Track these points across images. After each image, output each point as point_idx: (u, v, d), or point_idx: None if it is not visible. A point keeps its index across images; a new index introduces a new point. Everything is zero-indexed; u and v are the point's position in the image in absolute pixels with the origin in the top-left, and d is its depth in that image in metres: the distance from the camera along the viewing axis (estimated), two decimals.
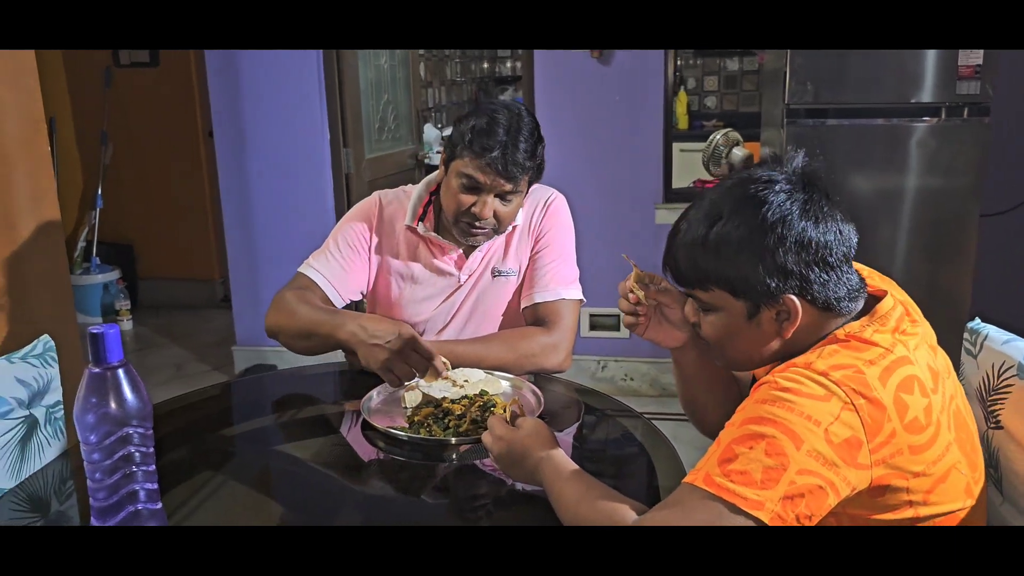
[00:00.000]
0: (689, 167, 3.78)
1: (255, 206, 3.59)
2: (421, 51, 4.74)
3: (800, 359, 1.01)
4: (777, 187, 1.02)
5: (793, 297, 1.02)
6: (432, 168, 4.40)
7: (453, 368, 1.56)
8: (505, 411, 1.33)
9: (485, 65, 6.30)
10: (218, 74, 3.46)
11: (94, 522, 1.02)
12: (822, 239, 1.01)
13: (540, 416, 1.43)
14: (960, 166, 2.53)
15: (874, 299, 1.08)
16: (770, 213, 1.00)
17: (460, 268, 1.73)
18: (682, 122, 5.93)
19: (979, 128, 2.48)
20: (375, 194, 1.78)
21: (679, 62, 6.11)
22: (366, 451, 1.40)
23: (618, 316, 3.39)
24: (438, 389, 1.48)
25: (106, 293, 4.63)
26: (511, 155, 1.55)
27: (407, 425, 1.40)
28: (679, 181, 3.63)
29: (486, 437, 1.23)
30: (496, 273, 1.74)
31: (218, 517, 1.19)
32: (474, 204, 1.60)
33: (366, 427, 1.41)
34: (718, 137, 3.51)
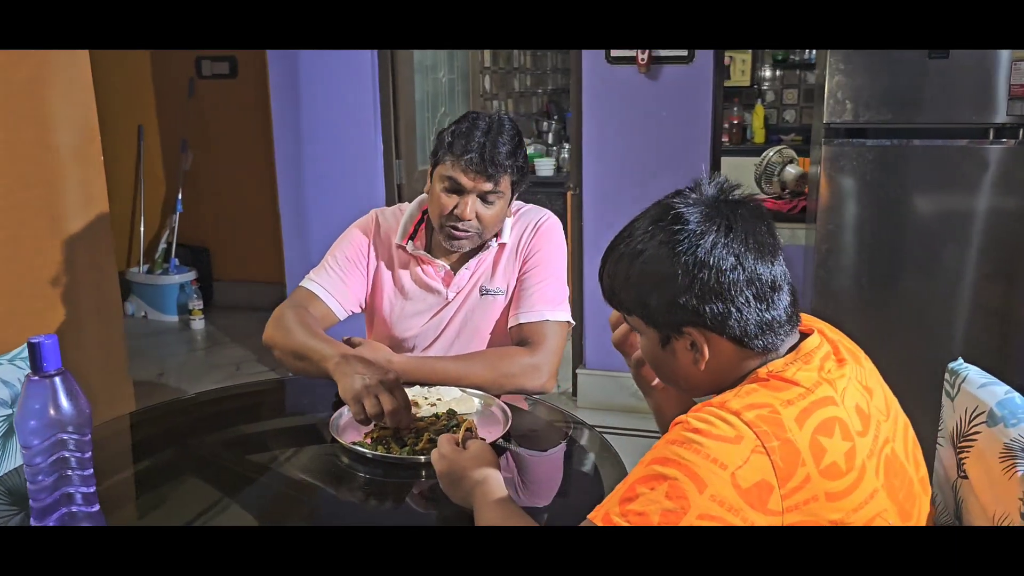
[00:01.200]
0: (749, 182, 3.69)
1: (310, 214, 3.71)
2: (486, 64, 4.79)
3: (717, 398, 0.98)
4: (676, 218, 0.99)
5: (695, 330, 0.99)
6: None
7: (431, 386, 1.58)
8: (461, 431, 1.35)
9: (559, 77, 6.31)
10: (279, 86, 3.60)
11: (33, 521, 1.08)
12: (715, 274, 0.97)
13: (505, 435, 1.44)
14: (1019, 189, 2.38)
15: (804, 337, 1.03)
16: (664, 246, 0.98)
17: (448, 285, 1.74)
18: (758, 136, 5.78)
19: None
20: (372, 211, 1.83)
21: (758, 73, 5.97)
22: (328, 464, 1.43)
23: None
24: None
25: (182, 293, 4.87)
26: (489, 154, 1.59)
27: (368, 440, 1.42)
28: None
29: (434, 454, 1.25)
30: (484, 292, 1.75)
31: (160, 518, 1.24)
32: (456, 206, 1.63)
33: (334, 440, 1.44)
34: (771, 154, 3.42)
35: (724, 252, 0.97)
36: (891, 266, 2.56)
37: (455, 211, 1.64)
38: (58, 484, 1.07)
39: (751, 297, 0.98)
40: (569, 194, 3.48)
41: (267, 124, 4.81)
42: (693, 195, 1.02)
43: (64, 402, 1.05)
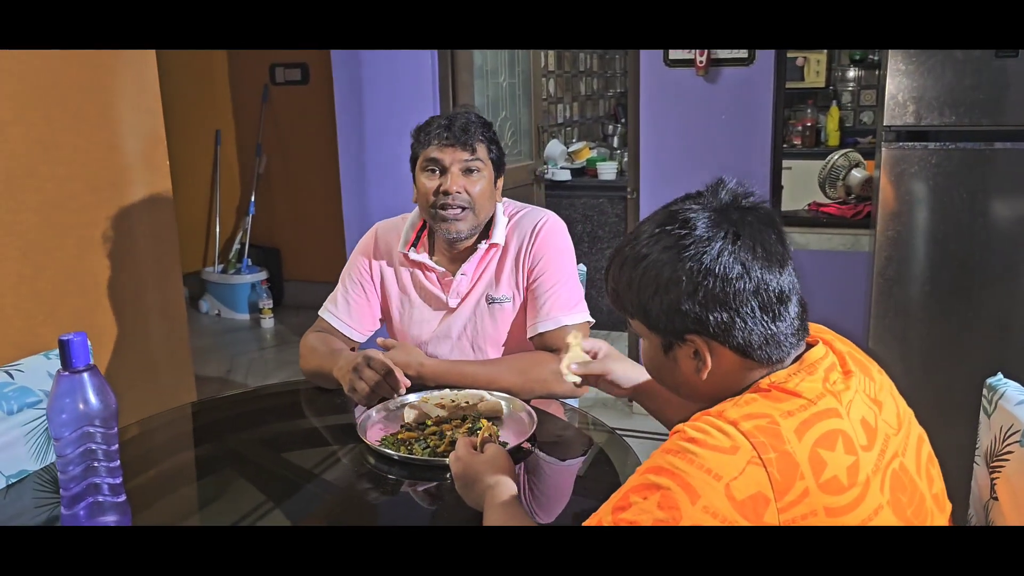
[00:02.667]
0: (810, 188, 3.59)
1: (373, 217, 3.77)
2: (550, 68, 4.79)
3: (715, 407, 0.96)
4: (684, 224, 0.97)
5: (697, 338, 0.97)
6: (553, 184, 4.46)
7: (461, 389, 1.60)
8: (480, 435, 1.36)
9: (628, 81, 6.26)
10: (343, 91, 3.69)
11: (63, 510, 1.14)
12: (721, 282, 0.94)
13: (530, 439, 1.44)
14: None
15: (808, 348, 1.00)
16: (670, 251, 0.96)
17: (447, 291, 1.77)
18: (832, 138, 5.61)
19: None
20: (374, 226, 1.90)
21: (834, 74, 5.80)
22: (358, 464, 1.46)
23: None
24: (435, 409, 1.51)
25: (253, 292, 5.03)
26: (459, 126, 1.67)
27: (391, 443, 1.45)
28: (799, 202, 3.46)
29: (451, 456, 1.27)
30: (491, 301, 1.76)
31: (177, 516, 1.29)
32: (441, 184, 1.67)
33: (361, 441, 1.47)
34: (836, 158, 3.32)
35: (731, 260, 0.95)
36: (960, 274, 2.45)
37: (441, 188, 1.67)
38: (86, 474, 1.12)
39: (757, 307, 0.95)
40: (628, 197, 3.45)
41: (335, 129, 4.96)
42: (701, 200, 1.00)
43: (92, 397, 1.10)
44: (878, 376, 1.02)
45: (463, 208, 1.68)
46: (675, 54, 3.17)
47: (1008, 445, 1.10)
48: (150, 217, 2.56)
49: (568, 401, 1.73)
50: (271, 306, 4.94)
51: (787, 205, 3.50)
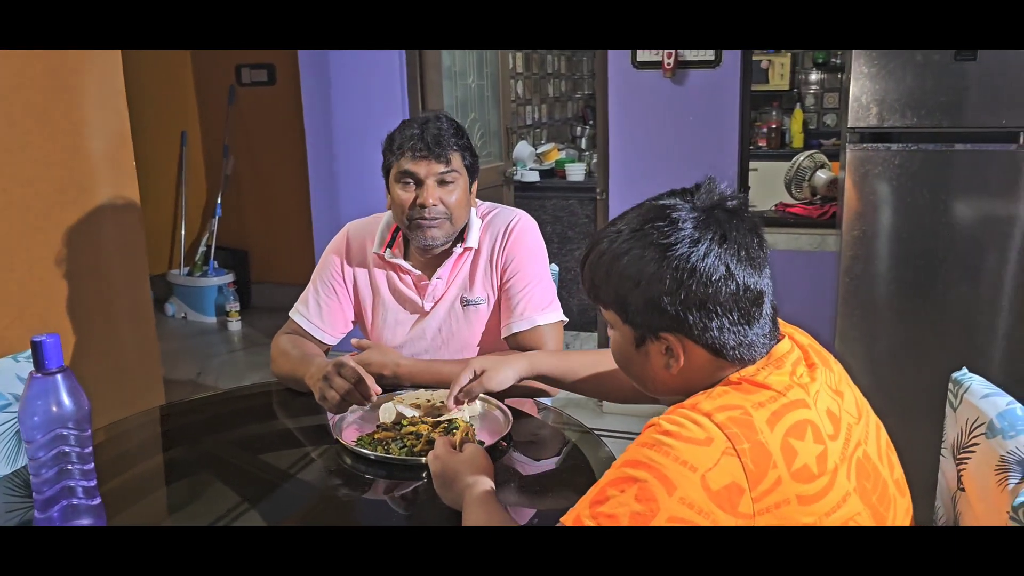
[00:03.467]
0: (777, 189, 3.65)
1: (342, 218, 3.76)
2: (518, 69, 4.81)
3: (688, 400, 0.98)
4: (672, 222, 0.97)
5: (672, 336, 0.99)
6: (523, 185, 4.47)
7: (436, 389, 1.61)
8: (466, 434, 1.36)
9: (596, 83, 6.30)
10: (311, 93, 3.67)
11: (37, 513, 1.12)
12: (704, 283, 0.95)
13: (505, 437, 1.45)
14: None
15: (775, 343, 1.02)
16: (655, 248, 0.96)
17: (422, 295, 1.77)
18: (797, 140, 5.71)
19: None
20: (345, 226, 1.88)
21: (798, 77, 5.89)
22: (330, 464, 1.46)
23: None
24: (411, 410, 1.52)
25: (220, 295, 4.98)
26: (432, 136, 1.64)
27: (368, 442, 1.45)
28: (765, 202, 3.51)
29: (429, 455, 1.28)
30: (465, 303, 1.76)
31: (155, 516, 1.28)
32: (417, 197, 1.66)
33: (337, 441, 1.47)
34: (802, 159, 3.37)
35: (716, 262, 0.95)
36: (922, 273, 2.51)
37: (417, 201, 1.66)
38: (59, 477, 1.11)
39: (736, 309, 0.97)
40: (597, 198, 3.48)
41: (302, 130, 4.92)
42: (688, 198, 1.00)
43: (65, 399, 1.09)
44: (836, 367, 1.05)
45: (439, 218, 1.68)
46: (643, 56, 3.20)
47: (974, 437, 1.13)
48: (117, 219, 2.52)
49: (542, 400, 1.74)
50: (239, 308, 4.90)
51: (754, 205, 3.55)
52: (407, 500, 1.36)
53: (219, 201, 4.99)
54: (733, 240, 0.97)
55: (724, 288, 0.96)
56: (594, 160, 4.71)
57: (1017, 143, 2.33)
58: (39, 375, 1.09)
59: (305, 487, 1.40)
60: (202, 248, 5.07)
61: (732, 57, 3.10)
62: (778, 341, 1.03)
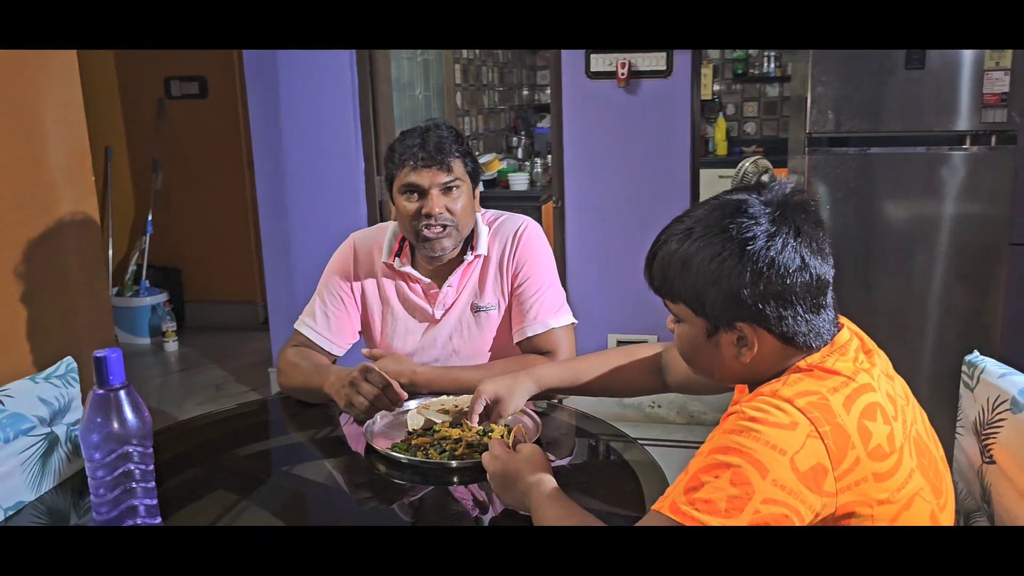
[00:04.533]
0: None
1: (292, 233, 3.69)
2: (458, 80, 4.84)
3: (766, 387, 1.03)
4: (750, 217, 1.02)
5: (747, 326, 1.04)
6: None
7: (458, 395, 1.61)
8: (510, 435, 1.38)
9: (525, 93, 6.39)
10: (258, 104, 3.59)
11: None
12: (782, 274, 1.01)
13: (537, 442, 1.47)
14: (988, 195, 2.50)
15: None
16: (734, 242, 1.01)
17: (433, 303, 1.77)
18: (720, 148, 5.93)
19: (1005, 156, 2.45)
20: (350, 236, 1.87)
21: (718, 87, 6.13)
22: (366, 472, 1.45)
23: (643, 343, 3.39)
24: (438, 415, 1.52)
25: (154, 315, 4.79)
26: (433, 145, 1.66)
27: (404, 449, 1.44)
28: None
29: (485, 457, 1.28)
30: (476, 309, 1.78)
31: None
32: (422, 207, 1.67)
33: (369, 450, 1.46)
34: (747, 164, 3.51)
35: (793, 255, 1.01)
36: (867, 271, 2.66)
37: (423, 211, 1.67)
38: (122, 498, 1.07)
39: (809, 299, 1.03)
40: (551, 207, 3.53)
41: (238, 143, 4.81)
42: (759, 195, 1.05)
43: (129, 415, 1.06)
44: (883, 353, 1.12)
45: (446, 227, 1.69)
46: (596, 66, 3.28)
47: (999, 414, 1.22)
48: (78, 235, 2.42)
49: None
50: (175, 328, 4.73)
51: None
52: (472, 502, 1.36)
53: (150, 218, 4.82)
54: (805, 233, 1.03)
55: (799, 279, 1.02)
56: (535, 169, 4.78)
57: (950, 145, 2.51)
58: (102, 391, 1.05)
59: (345, 498, 1.38)
60: (132, 267, 4.88)
61: (683, 66, 3.21)
62: (839, 330, 1.09)
